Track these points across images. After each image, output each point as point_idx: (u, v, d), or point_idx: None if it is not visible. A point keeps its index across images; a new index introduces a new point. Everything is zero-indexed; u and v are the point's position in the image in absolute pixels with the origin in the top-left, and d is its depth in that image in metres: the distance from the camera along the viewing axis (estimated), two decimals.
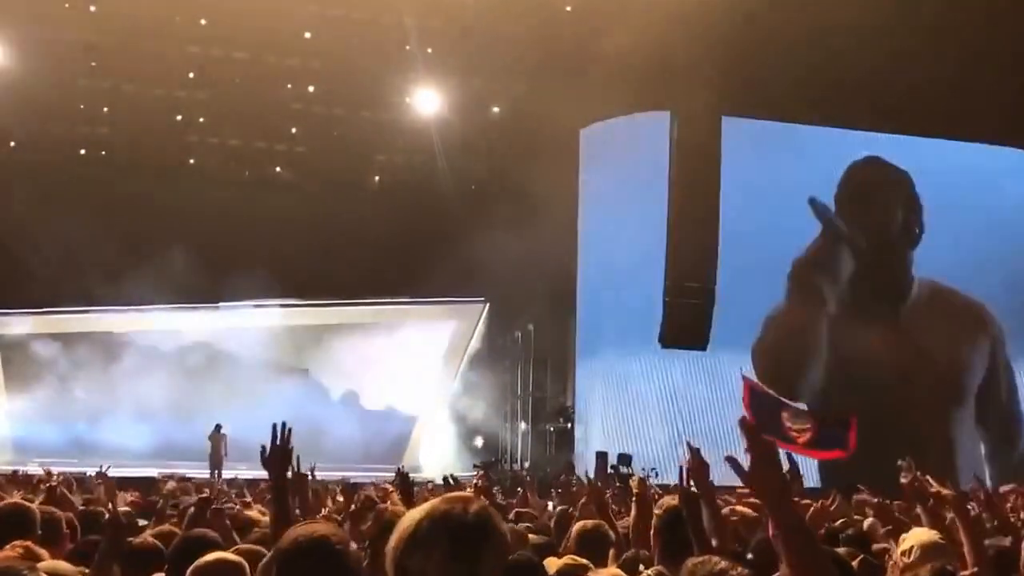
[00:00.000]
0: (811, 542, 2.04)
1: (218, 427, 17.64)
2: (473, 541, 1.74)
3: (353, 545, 2.33)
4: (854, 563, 3.64)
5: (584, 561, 3.44)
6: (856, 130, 17.36)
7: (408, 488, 5.07)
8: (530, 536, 4.28)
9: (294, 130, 19.94)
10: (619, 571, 3.37)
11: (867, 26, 15.11)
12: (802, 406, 9.43)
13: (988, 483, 13.81)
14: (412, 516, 1.78)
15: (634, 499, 4.05)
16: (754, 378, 9.63)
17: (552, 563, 3.44)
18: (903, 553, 3.53)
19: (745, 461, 2.02)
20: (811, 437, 8.72)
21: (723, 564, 2.22)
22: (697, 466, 3.35)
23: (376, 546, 2.76)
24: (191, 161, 20.23)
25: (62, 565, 3.03)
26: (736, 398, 15.83)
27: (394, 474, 5.43)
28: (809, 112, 16.65)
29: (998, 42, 15.36)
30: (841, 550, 3.79)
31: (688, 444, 3.75)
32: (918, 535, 3.61)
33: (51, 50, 17.01)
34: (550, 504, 7.90)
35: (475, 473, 10.07)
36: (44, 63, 16.98)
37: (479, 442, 19.93)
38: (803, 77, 15.56)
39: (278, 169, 20.00)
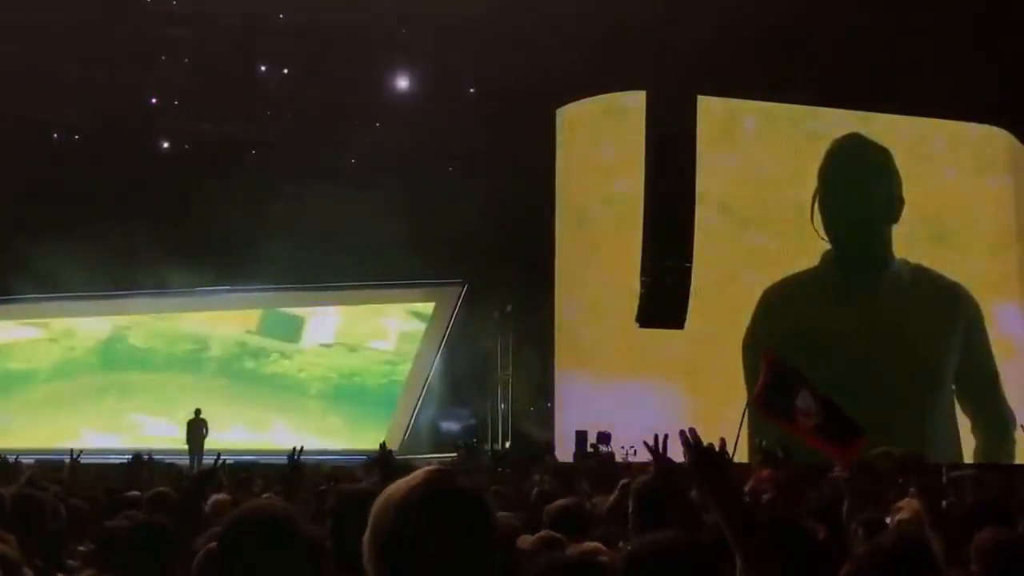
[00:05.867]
0: (752, 531, 2.21)
1: (197, 412, 17.60)
2: (477, 515, 1.69)
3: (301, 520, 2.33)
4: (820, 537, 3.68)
5: (558, 536, 3.47)
6: (835, 108, 17.47)
7: (391, 465, 5.05)
8: (506, 515, 4.29)
9: (268, 112, 19.83)
10: (599, 544, 3.39)
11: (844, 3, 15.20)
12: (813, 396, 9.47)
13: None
14: (399, 492, 1.68)
15: (618, 490, 4.08)
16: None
17: (525, 540, 3.46)
18: (902, 523, 3.59)
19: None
20: (814, 424, 8.76)
21: None
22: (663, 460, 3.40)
23: (337, 522, 2.78)
24: (165, 145, 20.09)
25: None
26: (717, 377, 16.09)
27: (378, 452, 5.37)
28: (785, 91, 16.71)
29: (976, 17, 15.45)
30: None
31: (646, 440, 3.77)
32: (913, 505, 3.67)
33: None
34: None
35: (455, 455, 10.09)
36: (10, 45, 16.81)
37: (460, 424, 19.96)
38: (779, 56, 15.60)
39: (253, 152, 19.87)
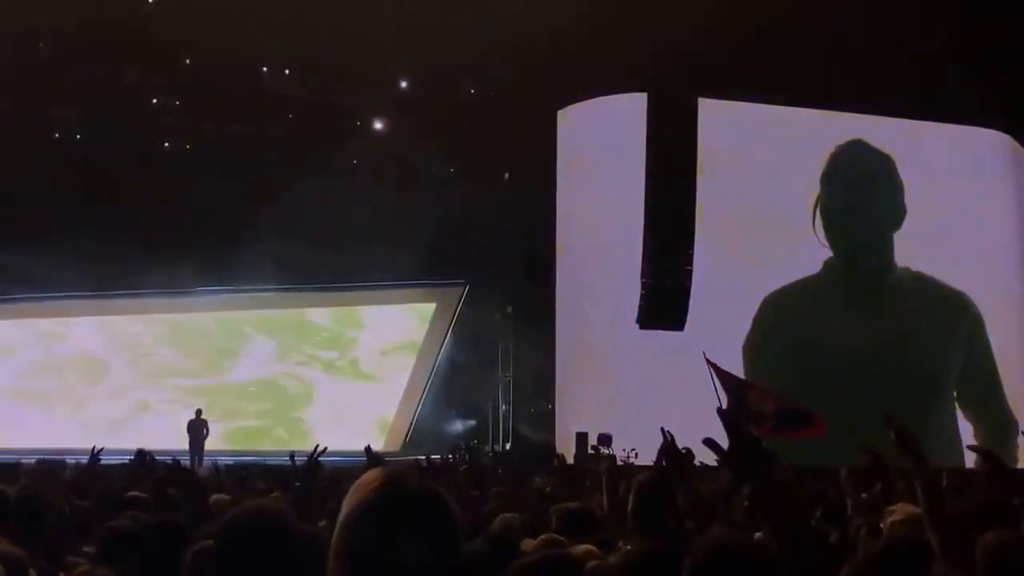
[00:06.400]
0: (790, 519, 2.19)
1: (198, 412, 17.62)
2: (435, 515, 1.66)
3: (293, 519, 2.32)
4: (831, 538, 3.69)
5: (560, 538, 3.45)
6: (838, 111, 17.46)
7: (377, 465, 5.01)
8: (509, 516, 4.29)
9: (269, 112, 19.84)
10: (592, 548, 3.37)
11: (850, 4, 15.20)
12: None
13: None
14: (354, 499, 1.68)
15: (604, 481, 4.07)
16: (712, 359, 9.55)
17: (528, 543, 3.45)
18: (894, 524, 3.59)
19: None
20: (773, 422, 8.76)
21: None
22: (670, 451, 3.39)
23: (334, 523, 2.77)
24: (166, 145, 20.10)
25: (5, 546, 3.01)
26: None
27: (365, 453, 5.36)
28: (786, 93, 16.70)
29: (978, 20, 15.45)
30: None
31: (662, 430, 3.78)
32: (906, 508, 3.67)
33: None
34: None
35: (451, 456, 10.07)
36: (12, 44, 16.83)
37: (461, 425, 19.97)
38: (783, 58, 15.59)
39: (254, 152, 19.87)
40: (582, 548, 3.28)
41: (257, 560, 2.23)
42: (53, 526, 3.66)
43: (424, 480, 1.71)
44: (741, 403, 8.90)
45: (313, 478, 4.43)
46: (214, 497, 5.30)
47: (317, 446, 4.42)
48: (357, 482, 1.71)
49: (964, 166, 17.87)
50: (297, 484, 4.37)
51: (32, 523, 3.55)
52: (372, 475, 1.71)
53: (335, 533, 1.67)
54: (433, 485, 1.72)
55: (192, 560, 2.75)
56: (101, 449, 6.18)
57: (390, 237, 17.54)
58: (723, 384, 9.17)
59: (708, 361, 9.24)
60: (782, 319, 16.93)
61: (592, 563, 3.08)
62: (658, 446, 4.41)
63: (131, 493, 5.52)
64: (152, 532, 3.17)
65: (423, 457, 7.85)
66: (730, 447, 2.20)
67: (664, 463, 3.90)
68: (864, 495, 4.40)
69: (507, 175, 19.46)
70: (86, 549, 3.78)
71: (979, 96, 16.30)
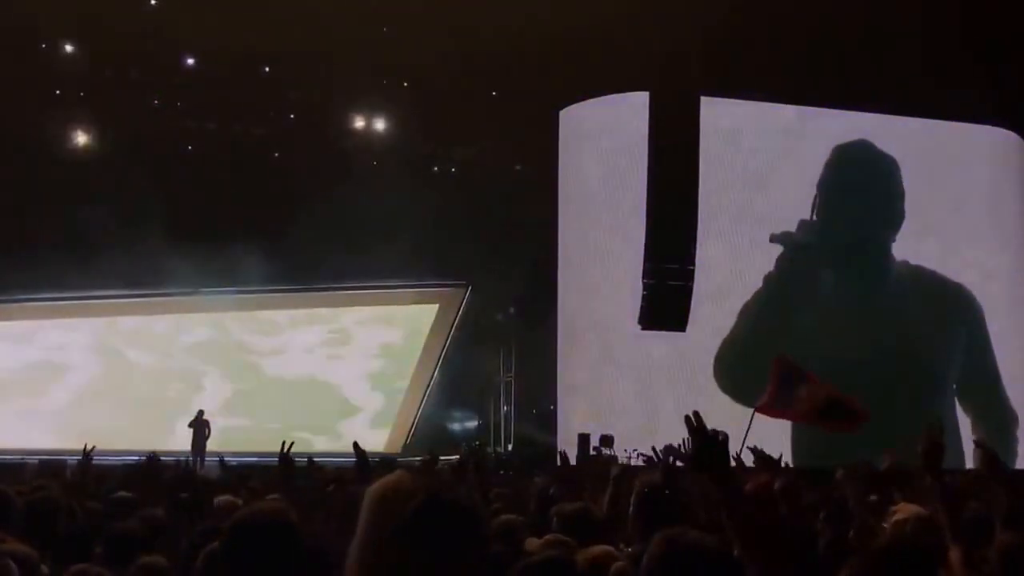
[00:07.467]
0: (754, 520, 2.19)
1: (200, 413, 17.64)
2: (469, 525, 1.70)
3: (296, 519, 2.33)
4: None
5: (565, 539, 3.46)
6: (841, 110, 17.45)
7: (365, 464, 5.02)
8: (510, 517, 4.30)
9: (270, 113, 19.85)
10: (610, 548, 3.38)
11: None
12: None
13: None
14: (388, 503, 1.69)
15: (611, 482, 4.08)
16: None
17: (532, 542, 3.47)
18: (897, 524, 3.61)
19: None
20: (810, 408, 9.06)
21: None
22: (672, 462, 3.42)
23: (342, 524, 2.79)
24: (166, 145, 20.08)
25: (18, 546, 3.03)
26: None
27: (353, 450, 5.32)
28: (790, 92, 16.70)
29: (986, 19, 15.44)
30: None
31: (668, 447, 3.79)
32: (909, 508, 3.68)
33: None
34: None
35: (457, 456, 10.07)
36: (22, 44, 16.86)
37: (463, 426, 19.99)
38: (786, 56, 15.59)
39: (255, 154, 19.88)
40: (599, 549, 3.28)
41: (263, 561, 2.25)
42: (65, 527, 3.68)
43: (464, 493, 1.74)
44: (789, 388, 9.26)
45: (289, 477, 4.42)
46: (220, 499, 5.31)
47: (284, 442, 4.37)
48: (382, 491, 1.71)
49: (971, 164, 17.85)
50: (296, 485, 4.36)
51: (44, 524, 3.56)
52: (401, 483, 1.71)
53: (363, 544, 1.68)
54: (471, 498, 1.74)
55: (204, 562, 2.78)
56: (93, 447, 6.15)
57: (392, 238, 17.54)
58: (781, 374, 9.53)
59: (777, 358, 9.63)
60: (781, 315, 16.90)
61: (618, 564, 3.09)
62: (660, 447, 4.42)
63: (119, 494, 5.53)
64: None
65: (438, 457, 7.74)
66: (692, 450, 2.24)
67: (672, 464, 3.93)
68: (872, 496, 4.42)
69: (508, 174, 19.48)
70: (98, 550, 3.80)
71: (987, 94, 16.29)
